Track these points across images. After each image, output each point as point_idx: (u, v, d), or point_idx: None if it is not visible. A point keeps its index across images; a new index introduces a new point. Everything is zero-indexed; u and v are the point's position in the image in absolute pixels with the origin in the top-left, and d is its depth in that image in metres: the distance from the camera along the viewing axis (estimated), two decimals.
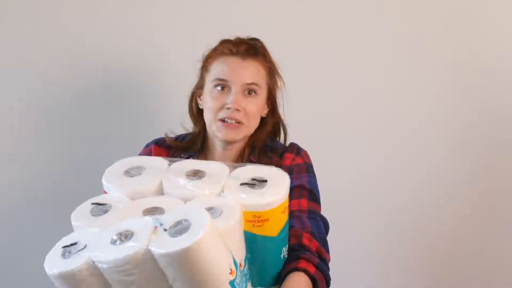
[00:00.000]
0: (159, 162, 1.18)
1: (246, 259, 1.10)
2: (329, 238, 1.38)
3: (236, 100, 1.38)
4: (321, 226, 1.35)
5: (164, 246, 0.95)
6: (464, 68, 1.92)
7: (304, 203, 1.35)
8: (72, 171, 1.94)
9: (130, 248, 0.96)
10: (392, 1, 1.92)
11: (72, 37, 1.91)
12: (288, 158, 1.43)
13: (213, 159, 1.44)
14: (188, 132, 1.52)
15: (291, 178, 1.19)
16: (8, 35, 1.92)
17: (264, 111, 1.47)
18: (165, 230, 0.97)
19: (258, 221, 1.09)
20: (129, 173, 1.15)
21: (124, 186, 1.13)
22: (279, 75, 1.49)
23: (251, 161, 1.42)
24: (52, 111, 1.93)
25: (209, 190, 1.10)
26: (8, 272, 1.96)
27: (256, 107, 1.41)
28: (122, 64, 1.92)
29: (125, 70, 1.93)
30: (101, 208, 1.09)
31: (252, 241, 1.10)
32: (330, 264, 1.31)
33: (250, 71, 1.41)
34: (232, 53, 1.42)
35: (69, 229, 1.09)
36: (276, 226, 1.12)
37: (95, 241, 1.00)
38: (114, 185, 1.13)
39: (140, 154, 1.49)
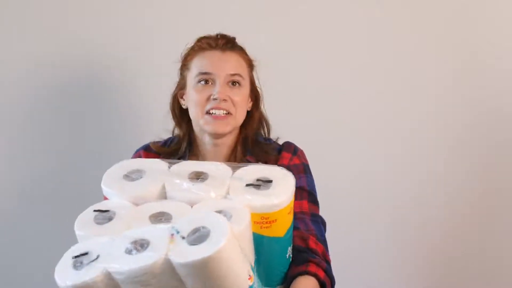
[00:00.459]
0: (159, 164, 1.15)
1: (255, 261, 1.09)
2: (328, 238, 1.38)
3: (221, 90, 1.37)
4: (322, 229, 1.37)
5: (184, 255, 0.92)
6: (464, 68, 1.92)
7: (305, 205, 1.36)
8: (72, 171, 1.94)
9: (148, 258, 0.93)
10: (392, 1, 1.92)
11: (72, 37, 1.91)
12: (286, 157, 1.43)
13: (205, 159, 1.43)
14: (176, 135, 1.50)
15: None
16: (8, 35, 1.92)
17: (249, 104, 1.46)
18: (183, 238, 0.95)
19: (266, 222, 1.07)
20: (129, 177, 1.11)
21: (125, 191, 1.09)
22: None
23: (248, 162, 1.41)
24: (52, 111, 1.93)
25: (214, 193, 1.08)
26: (8, 272, 1.96)
27: (241, 98, 1.40)
28: (122, 64, 1.92)
29: (125, 70, 1.93)
30: (104, 216, 1.05)
31: (259, 243, 1.08)
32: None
33: (232, 63, 1.41)
34: (211, 47, 1.41)
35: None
36: (283, 226, 1.11)
37: (108, 250, 0.97)
38: (114, 190, 1.10)
39: None
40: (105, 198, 1.13)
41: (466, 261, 1.97)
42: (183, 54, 1.46)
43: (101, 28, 1.92)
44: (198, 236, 0.94)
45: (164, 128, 1.52)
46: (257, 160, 1.41)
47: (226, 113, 1.38)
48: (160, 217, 1.03)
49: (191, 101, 1.41)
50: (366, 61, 1.92)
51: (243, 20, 1.87)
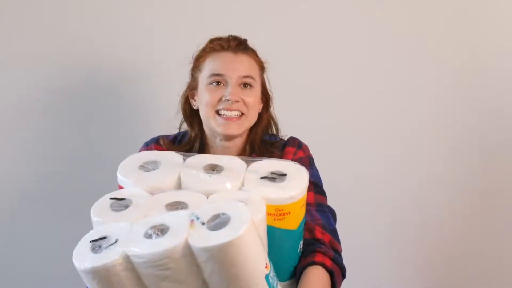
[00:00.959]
0: (174, 156, 1.17)
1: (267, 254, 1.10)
2: None
3: (234, 92, 1.37)
4: (330, 218, 1.36)
5: (205, 239, 0.93)
6: (464, 68, 1.93)
7: (311, 196, 1.35)
8: (72, 171, 1.94)
9: (168, 242, 0.94)
10: (392, 1, 1.92)
11: (72, 37, 1.91)
12: (290, 152, 1.43)
13: None
14: (185, 130, 1.50)
15: None
16: (8, 35, 1.91)
17: (260, 106, 1.46)
18: (203, 224, 0.96)
19: (280, 215, 1.09)
20: (145, 167, 1.14)
21: (141, 180, 1.11)
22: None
23: None
24: (52, 111, 1.93)
25: (230, 184, 1.09)
26: (8, 272, 1.96)
27: (253, 99, 1.40)
28: (122, 64, 1.92)
29: (125, 70, 1.93)
30: (120, 203, 1.07)
31: (271, 235, 1.09)
32: None
33: (244, 65, 1.40)
34: (223, 49, 1.41)
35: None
36: (296, 219, 1.13)
37: (126, 235, 0.98)
38: (130, 180, 1.12)
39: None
40: (120, 187, 1.14)
41: (466, 261, 1.97)
42: (194, 56, 1.45)
43: (101, 28, 1.92)
44: (219, 222, 0.95)
45: (165, 123, 1.52)
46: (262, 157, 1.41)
47: (239, 114, 1.38)
48: (176, 206, 1.04)
49: (203, 102, 1.40)
50: (366, 61, 1.92)
51: (243, 20, 1.87)
